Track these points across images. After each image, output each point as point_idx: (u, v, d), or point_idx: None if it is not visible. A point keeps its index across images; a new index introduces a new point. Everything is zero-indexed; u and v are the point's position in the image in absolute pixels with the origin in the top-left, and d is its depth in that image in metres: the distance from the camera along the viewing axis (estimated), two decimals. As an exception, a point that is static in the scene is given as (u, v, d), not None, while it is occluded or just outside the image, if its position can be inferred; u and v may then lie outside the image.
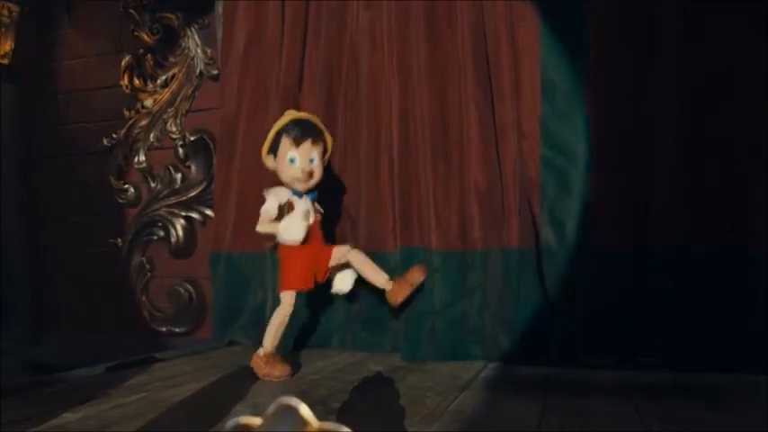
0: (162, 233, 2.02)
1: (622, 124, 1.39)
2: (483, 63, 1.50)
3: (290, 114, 1.34)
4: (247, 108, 1.81)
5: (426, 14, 1.55)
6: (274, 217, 1.28)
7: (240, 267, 1.77)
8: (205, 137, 1.99)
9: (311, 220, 1.31)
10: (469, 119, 1.50)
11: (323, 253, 1.35)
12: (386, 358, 1.48)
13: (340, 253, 1.36)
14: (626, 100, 1.40)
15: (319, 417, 0.43)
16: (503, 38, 1.48)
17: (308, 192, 1.33)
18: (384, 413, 1.00)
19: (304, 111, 1.70)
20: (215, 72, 1.96)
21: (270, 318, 1.33)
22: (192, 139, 2.00)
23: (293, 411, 0.42)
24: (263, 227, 1.29)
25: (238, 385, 1.20)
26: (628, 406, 1.01)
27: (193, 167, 2.00)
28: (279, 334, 1.30)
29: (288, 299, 1.30)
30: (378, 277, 1.34)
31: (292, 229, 1.25)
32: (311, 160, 1.31)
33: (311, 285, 1.34)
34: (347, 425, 0.42)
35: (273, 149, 1.32)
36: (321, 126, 1.35)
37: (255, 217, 1.76)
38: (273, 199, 1.29)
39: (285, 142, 1.30)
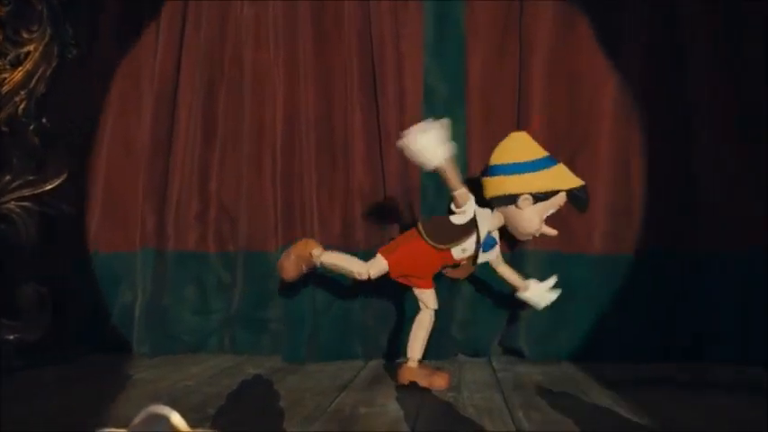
0: (11, 229, 1.80)
1: (499, 132, 1.48)
2: (369, 66, 1.52)
3: (574, 180, 1.14)
4: (117, 97, 1.68)
5: (313, 14, 1.54)
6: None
7: (106, 267, 1.64)
8: (66, 124, 1.80)
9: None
10: (354, 120, 1.52)
11: (425, 278, 1.22)
12: (265, 360, 1.44)
13: (425, 297, 1.23)
14: (501, 107, 1.49)
15: (193, 424, 0.41)
16: (388, 43, 1.51)
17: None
18: (262, 417, 0.98)
19: (182, 105, 1.63)
20: (78, 53, 1.79)
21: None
22: (50, 126, 1.80)
23: (163, 420, 0.40)
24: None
25: (103, 395, 1.11)
26: (497, 396, 1.08)
27: (51, 158, 1.81)
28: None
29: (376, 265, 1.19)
30: (417, 347, 1.22)
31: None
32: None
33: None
34: (222, 431, 0.40)
35: (541, 197, 1.12)
36: None
37: (124, 213, 1.66)
38: (471, 211, 1.14)
39: (559, 200, 1.13)
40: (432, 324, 1.22)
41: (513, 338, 1.45)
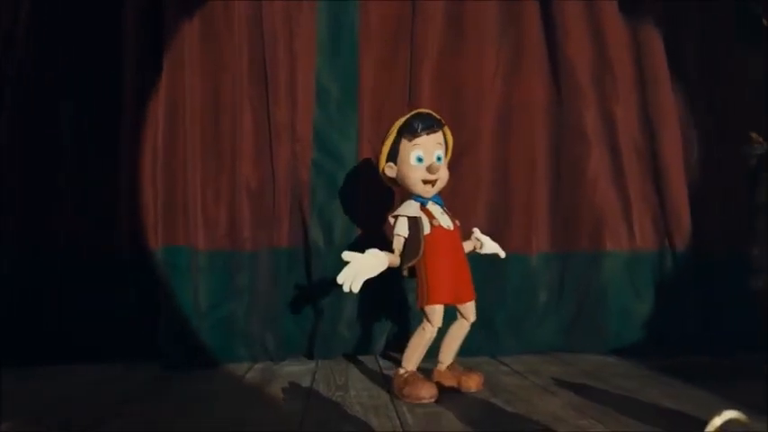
0: None
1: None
2: (260, 62, 1.48)
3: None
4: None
5: (201, 9, 1.46)
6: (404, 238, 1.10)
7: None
8: None
9: (451, 226, 1.13)
10: (243, 116, 1.47)
11: (464, 282, 1.14)
12: (144, 367, 1.35)
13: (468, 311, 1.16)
14: (393, 110, 1.52)
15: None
16: (280, 41, 1.48)
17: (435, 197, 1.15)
18: (141, 426, 0.92)
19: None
20: None
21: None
22: None
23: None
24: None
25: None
26: (383, 394, 1.11)
27: None
28: (423, 355, 1.12)
29: (434, 315, 1.09)
30: (449, 354, 1.18)
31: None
32: (438, 158, 1.13)
33: (452, 301, 1.13)
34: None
35: (393, 155, 1.13)
36: (441, 119, 1.15)
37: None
38: (402, 219, 1.11)
39: (405, 141, 1.11)
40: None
41: (400, 336, 1.49)
